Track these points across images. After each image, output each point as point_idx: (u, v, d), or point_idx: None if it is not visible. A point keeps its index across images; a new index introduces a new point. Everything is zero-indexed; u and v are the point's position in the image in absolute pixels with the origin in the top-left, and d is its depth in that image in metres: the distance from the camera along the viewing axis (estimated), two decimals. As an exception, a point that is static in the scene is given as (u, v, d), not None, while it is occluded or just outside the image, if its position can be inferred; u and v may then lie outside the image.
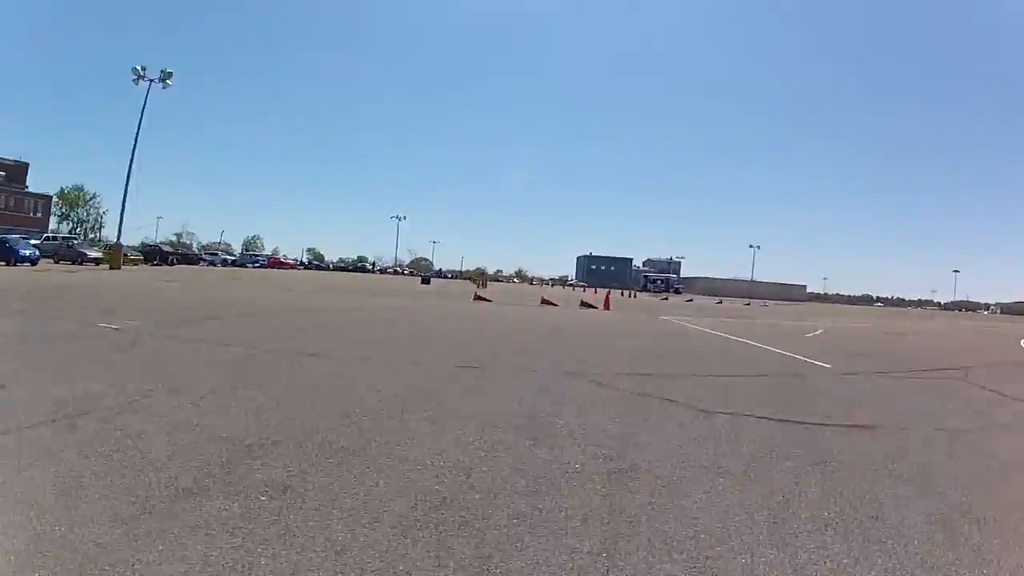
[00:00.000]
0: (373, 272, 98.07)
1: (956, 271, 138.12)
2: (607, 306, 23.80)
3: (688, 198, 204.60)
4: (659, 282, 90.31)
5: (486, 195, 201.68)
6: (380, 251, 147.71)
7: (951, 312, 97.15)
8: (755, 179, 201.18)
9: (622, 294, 48.11)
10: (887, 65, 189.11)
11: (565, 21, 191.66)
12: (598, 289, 63.18)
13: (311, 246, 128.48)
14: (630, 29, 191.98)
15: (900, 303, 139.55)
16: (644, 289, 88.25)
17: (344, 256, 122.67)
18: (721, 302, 44.39)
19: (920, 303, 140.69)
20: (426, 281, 47.49)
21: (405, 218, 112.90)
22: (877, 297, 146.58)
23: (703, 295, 73.74)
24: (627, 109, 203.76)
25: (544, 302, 23.81)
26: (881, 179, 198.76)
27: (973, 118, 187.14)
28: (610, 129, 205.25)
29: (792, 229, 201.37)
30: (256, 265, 71.40)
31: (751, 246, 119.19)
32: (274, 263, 77.29)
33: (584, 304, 24.16)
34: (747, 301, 43.01)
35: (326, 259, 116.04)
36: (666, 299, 41.97)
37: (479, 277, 49.13)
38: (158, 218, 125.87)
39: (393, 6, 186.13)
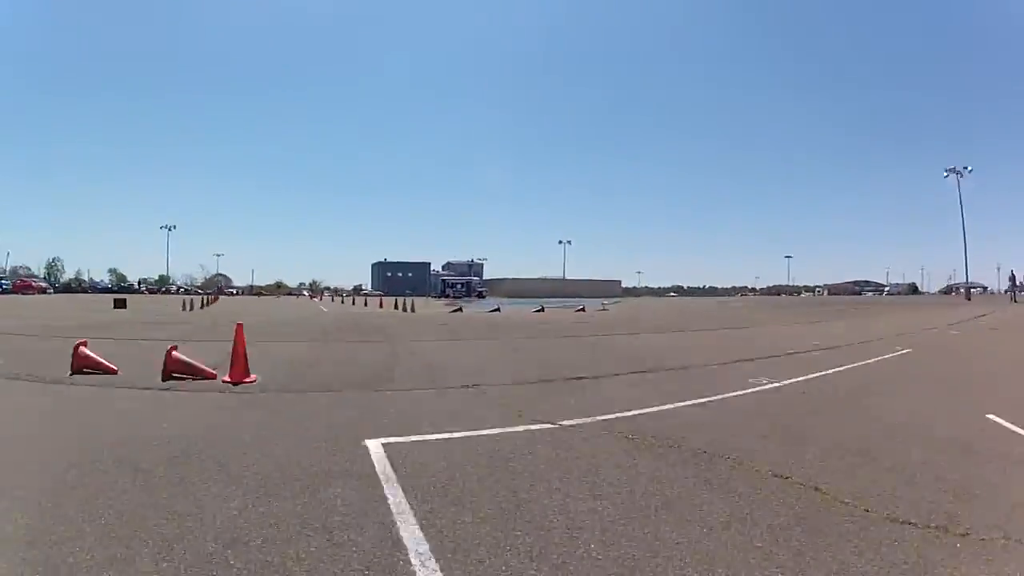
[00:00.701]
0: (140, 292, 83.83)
1: (788, 256, 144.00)
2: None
3: (489, 197, 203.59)
4: (459, 286, 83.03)
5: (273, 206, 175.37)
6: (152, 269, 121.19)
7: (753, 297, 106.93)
8: (562, 173, 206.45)
9: (398, 305, 37.52)
10: (701, 54, 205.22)
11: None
12: (383, 299, 52.32)
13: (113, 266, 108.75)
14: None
15: (713, 291, 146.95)
16: (443, 295, 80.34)
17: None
18: (543, 309, 33.32)
19: (736, 290, 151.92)
20: (120, 304, 32.23)
21: (175, 227, 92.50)
22: (685, 288, 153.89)
23: (512, 298, 65.96)
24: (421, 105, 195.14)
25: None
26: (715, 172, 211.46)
27: (802, 109, 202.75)
28: (405, 129, 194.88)
29: (605, 223, 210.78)
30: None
31: (561, 242, 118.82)
32: (21, 287, 68.45)
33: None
34: (580, 306, 33.89)
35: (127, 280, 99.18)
36: (459, 310, 32.81)
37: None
38: None
39: None
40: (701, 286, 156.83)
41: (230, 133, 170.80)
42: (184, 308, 31.45)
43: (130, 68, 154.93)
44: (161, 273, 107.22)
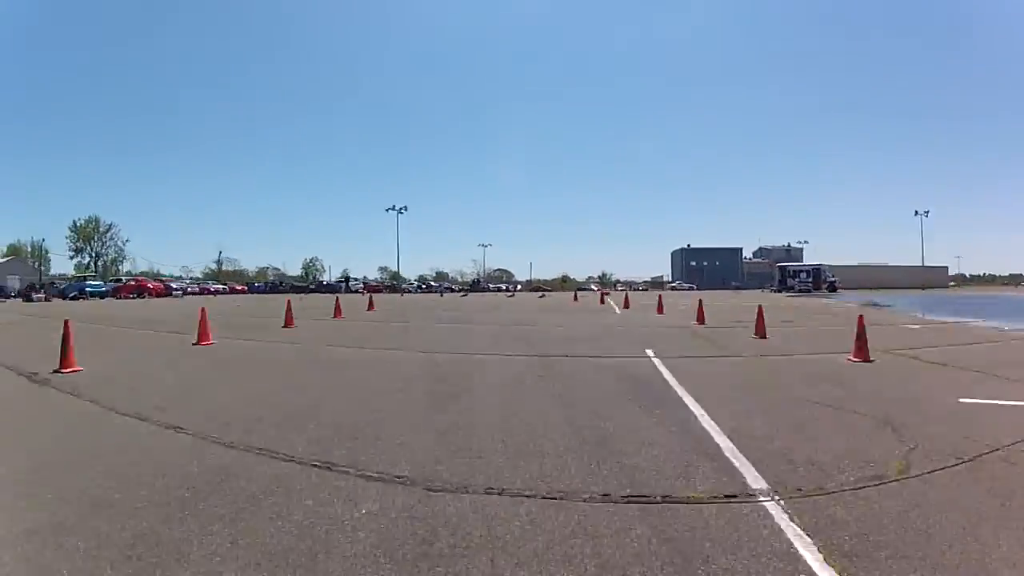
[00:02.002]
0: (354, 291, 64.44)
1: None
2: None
3: (798, 176, 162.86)
4: (805, 276, 59.81)
5: (562, 192, 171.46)
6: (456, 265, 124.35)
7: None
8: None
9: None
10: None
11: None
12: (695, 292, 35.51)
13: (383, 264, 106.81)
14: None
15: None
16: (783, 287, 58.89)
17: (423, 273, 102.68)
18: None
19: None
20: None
21: (405, 209, 75.36)
22: None
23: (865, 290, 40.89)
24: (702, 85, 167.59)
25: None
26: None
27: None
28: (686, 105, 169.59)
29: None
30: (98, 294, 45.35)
31: (918, 213, 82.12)
32: (131, 289, 47.80)
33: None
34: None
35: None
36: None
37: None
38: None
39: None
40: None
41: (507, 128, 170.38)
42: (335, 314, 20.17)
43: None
44: (439, 268, 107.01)
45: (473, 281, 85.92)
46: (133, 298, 43.39)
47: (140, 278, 53.57)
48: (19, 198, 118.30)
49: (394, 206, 71.73)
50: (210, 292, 56.94)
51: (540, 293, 58.42)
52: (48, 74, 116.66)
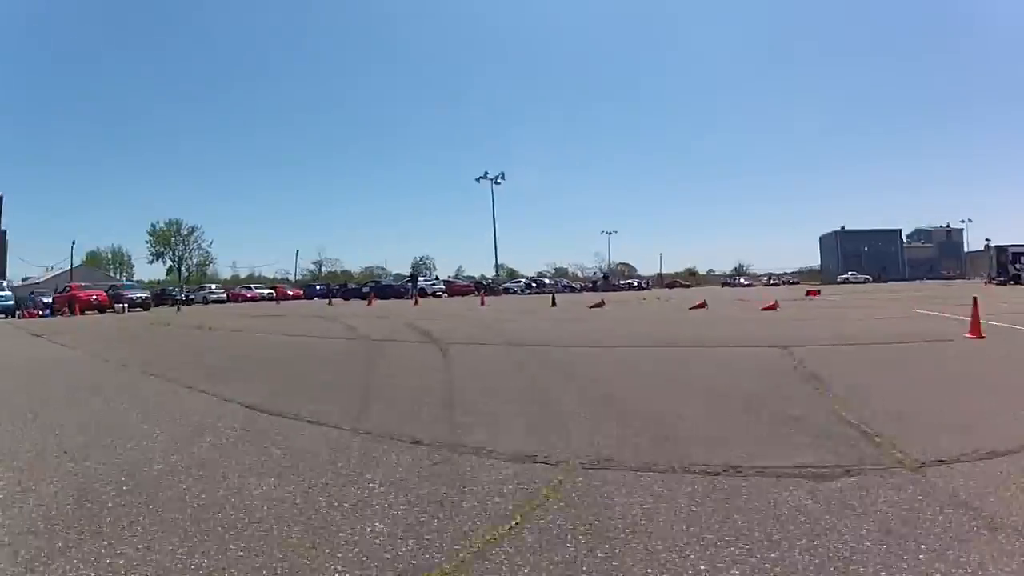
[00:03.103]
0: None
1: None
2: None
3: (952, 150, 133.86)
4: (1044, 262, 43.29)
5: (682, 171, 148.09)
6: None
7: None
8: None
9: None
10: None
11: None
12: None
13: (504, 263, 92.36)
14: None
15: None
16: (1007, 277, 43.06)
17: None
18: None
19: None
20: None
21: (502, 177, 57.99)
22: None
23: None
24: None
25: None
26: None
27: None
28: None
29: None
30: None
31: None
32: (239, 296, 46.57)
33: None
34: None
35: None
36: None
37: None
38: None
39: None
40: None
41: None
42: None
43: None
44: (557, 263, 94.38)
45: (602, 276, 68.94)
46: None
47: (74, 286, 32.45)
48: (118, 205, 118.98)
49: (486, 174, 55.62)
50: (245, 298, 45.62)
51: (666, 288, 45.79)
52: (142, 75, 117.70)
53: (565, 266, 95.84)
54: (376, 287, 41.41)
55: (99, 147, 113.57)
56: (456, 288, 45.89)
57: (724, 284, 69.21)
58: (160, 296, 41.92)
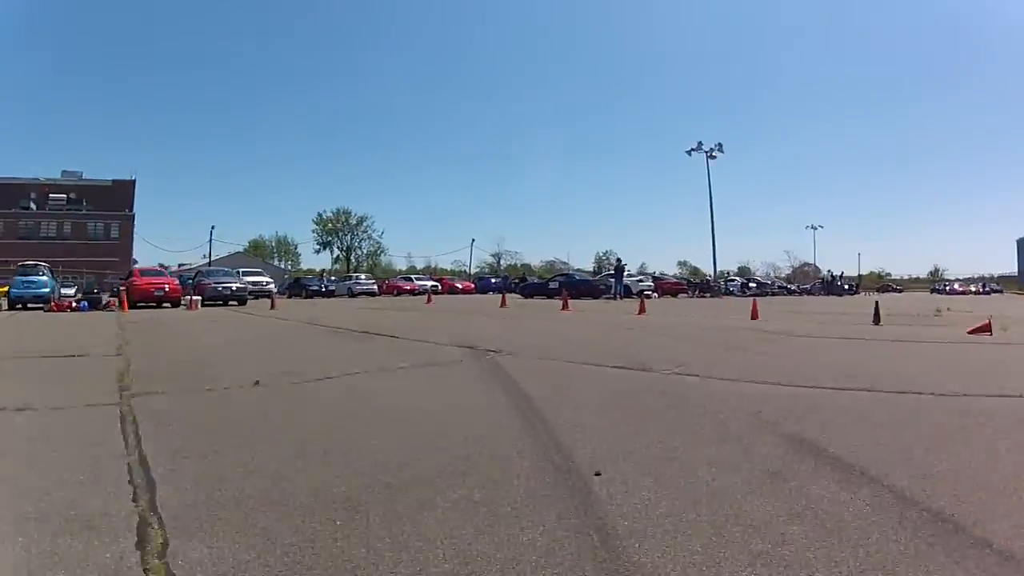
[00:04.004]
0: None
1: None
2: None
3: None
4: None
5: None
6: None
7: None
8: None
9: None
10: None
11: None
12: None
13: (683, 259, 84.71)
14: None
15: None
16: None
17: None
18: None
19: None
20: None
21: (719, 150, 46.40)
22: None
23: None
24: None
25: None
26: None
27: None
28: None
29: None
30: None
31: None
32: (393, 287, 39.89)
33: None
34: None
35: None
36: None
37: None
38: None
39: None
40: None
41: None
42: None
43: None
44: (742, 263, 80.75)
45: (830, 277, 53.36)
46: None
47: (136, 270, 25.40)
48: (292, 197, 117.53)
49: (699, 145, 44.58)
50: (402, 291, 37.81)
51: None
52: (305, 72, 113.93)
53: (748, 263, 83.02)
54: (567, 281, 29.02)
55: (291, 137, 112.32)
56: (665, 286, 36.08)
57: (933, 290, 59.07)
58: (294, 286, 38.16)
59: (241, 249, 64.40)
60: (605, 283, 29.11)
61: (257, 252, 72.11)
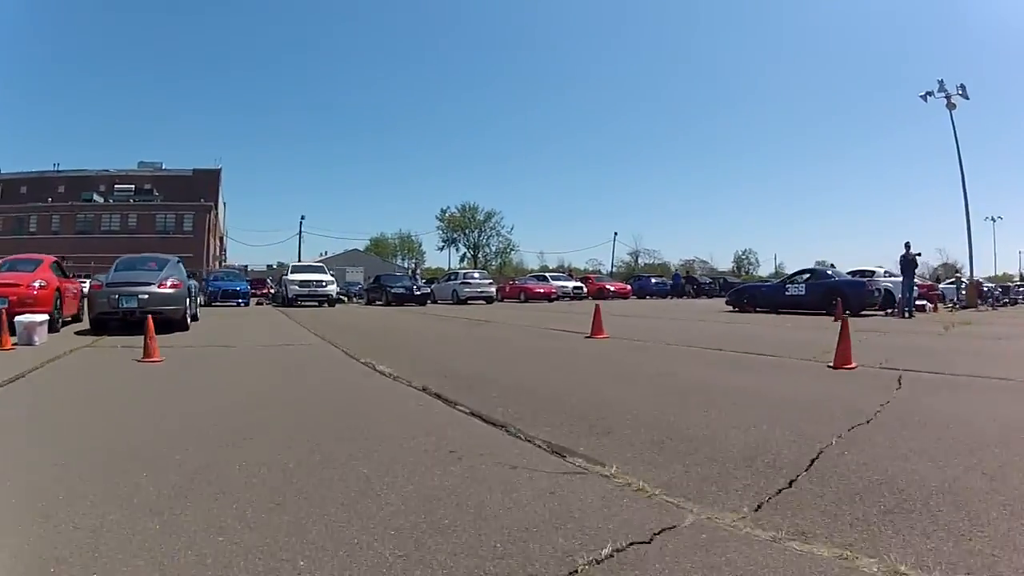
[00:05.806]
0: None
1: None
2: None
3: None
4: None
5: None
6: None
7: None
8: None
9: None
10: None
11: None
12: None
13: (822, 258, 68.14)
14: None
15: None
16: None
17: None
18: None
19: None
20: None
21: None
22: None
23: None
24: None
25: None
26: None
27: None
28: None
29: None
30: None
31: None
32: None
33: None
34: None
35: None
36: None
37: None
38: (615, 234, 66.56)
39: None
40: None
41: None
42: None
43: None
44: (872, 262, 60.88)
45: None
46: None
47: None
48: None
49: (941, 83, 25.25)
50: (532, 294, 27.49)
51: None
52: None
53: (882, 264, 65.16)
54: (830, 284, 16.46)
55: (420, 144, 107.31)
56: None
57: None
58: (374, 288, 25.78)
59: (361, 247, 62.30)
60: (877, 288, 16.50)
61: (378, 250, 68.81)
